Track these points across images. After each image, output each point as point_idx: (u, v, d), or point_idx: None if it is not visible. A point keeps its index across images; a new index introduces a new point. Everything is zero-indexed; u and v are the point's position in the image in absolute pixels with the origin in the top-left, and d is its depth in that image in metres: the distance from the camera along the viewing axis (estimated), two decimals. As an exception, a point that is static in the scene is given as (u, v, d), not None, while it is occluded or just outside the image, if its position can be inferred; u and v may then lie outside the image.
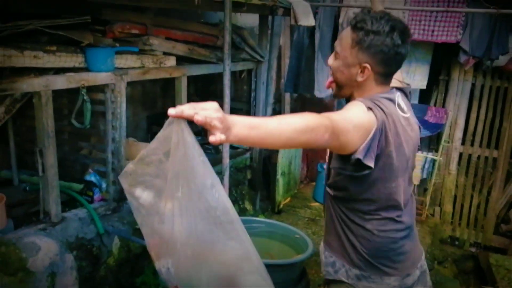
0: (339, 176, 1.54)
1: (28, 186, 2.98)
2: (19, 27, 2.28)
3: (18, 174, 3.15)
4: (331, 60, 1.55)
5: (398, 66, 1.52)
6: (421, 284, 1.67)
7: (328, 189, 1.64)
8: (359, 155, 1.34)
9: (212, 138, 1.02)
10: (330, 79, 1.58)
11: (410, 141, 1.53)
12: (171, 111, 1.03)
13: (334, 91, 1.59)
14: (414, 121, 1.60)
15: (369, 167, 1.37)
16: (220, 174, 2.80)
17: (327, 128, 1.22)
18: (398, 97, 1.54)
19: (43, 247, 2.27)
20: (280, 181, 4.39)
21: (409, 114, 1.56)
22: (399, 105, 1.52)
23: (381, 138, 1.38)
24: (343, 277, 1.64)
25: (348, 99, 1.57)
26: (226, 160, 2.64)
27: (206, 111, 1.02)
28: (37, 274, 2.21)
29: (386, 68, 1.48)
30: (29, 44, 2.32)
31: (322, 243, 1.79)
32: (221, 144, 1.07)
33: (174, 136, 1.07)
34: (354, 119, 1.34)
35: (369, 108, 1.38)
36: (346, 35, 1.49)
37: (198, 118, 1.00)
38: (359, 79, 1.48)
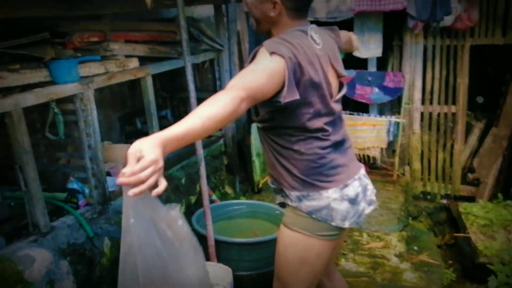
0: (265, 110, 1.67)
1: (12, 202, 2.99)
2: (-21, 52, 2.32)
3: (0, 191, 3.19)
4: None
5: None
6: (364, 202, 1.77)
7: (258, 124, 1.77)
8: (283, 99, 1.47)
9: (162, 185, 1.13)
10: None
11: (327, 67, 1.66)
12: (118, 181, 1.09)
13: (255, 27, 1.75)
14: (331, 47, 1.74)
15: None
16: (196, 164, 2.92)
17: (243, 100, 1.34)
18: (311, 29, 1.68)
19: (37, 258, 2.33)
20: (256, 162, 4.50)
21: (321, 45, 1.68)
22: (311, 37, 1.65)
23: (295, 70, 1.50)
24: (288, 202, 1.78)
25: (269, 36, 1.71)
26: (200, 151, 2.75)
27: (145, 163, 1.08)
28: (35, 284, 2.28)
29: (295, 2, 1.63)
30: (-9, 65, 2.35)
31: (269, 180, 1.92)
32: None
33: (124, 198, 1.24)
34: (265, 70, 1.46)
35: (272, 53, 1.47)
36: None
37: (148, 182, 1.08)
38: (272, 14, 1.64)
